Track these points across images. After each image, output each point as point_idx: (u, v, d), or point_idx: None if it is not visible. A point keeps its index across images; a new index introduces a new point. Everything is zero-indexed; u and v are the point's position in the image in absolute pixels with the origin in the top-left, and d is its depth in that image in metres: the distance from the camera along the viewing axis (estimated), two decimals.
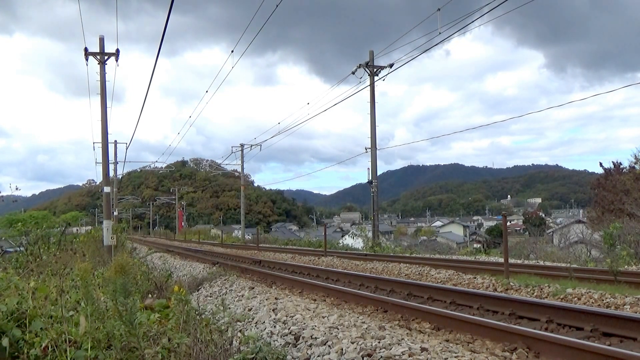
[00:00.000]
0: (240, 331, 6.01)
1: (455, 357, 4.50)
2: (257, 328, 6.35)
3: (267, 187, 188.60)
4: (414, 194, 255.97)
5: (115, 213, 38.34)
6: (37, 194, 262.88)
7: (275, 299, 8.25)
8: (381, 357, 4.50)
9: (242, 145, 44.56)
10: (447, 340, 5.60)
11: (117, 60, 20.27)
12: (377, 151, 25.02)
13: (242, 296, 9.09)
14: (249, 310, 7.62)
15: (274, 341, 5.60)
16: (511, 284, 9.27)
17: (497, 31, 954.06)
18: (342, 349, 4.83)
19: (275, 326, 6.23)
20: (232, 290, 10.15)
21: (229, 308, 6.78)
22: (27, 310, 4.09)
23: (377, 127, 25.01)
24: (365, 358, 4.56)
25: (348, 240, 40.95)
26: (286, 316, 6.63)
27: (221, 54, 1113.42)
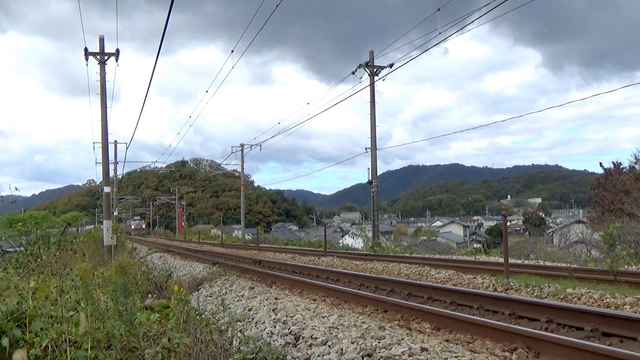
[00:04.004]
0: (240, 331, 6.01)
1: (455, 357, 4.50)
2: (257, 328, 6.35)
3: (267, 187, 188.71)
4: (413, 194, 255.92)
5: (115, 213, 38.36)
6: (37, 194, 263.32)
7: (275, 299, 8.25)
8: (381, 357, 4.51)
9: (242, 145, 44.56)
10: (447, 340, 5.60)
11: (117, 60, 20.31)
12: (377, 151, 25.04)
13: (242, 296, 9.09)
14: (249, 310, 7.62)
15: (274, 341, 5.60)
16: (511, 284, 9.27)
17: (494, 29, 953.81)
18: (342, 349, 4.83)
19: (275, 326, 6.23)
20: (232, 290, 10.15)
21: (229, 308, 6.78)
22: (27, 310, 4.09)
23: (376, 127, 25.03)
24: (365, 358, 4.56)
25: (348, 240, 40.97)
26: (286, 316, 6.64)
27: (217, 52, 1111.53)
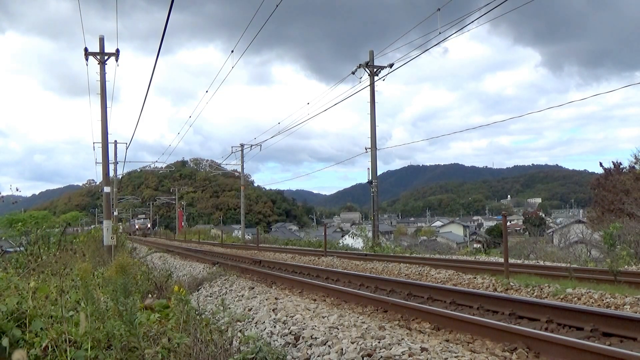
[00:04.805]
0: (240, 331, 6.01)
1: (455, 357, 4.50)
2: (257, 328, 6.35)
3: (267, 187, 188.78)
4: (413, 194, 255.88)
5: (115, 213, 38.34)
6: (37, 194, 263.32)
7: (275, 299, 8.25)
8: (381, 357, 4.51)
9: (242, 145, 44.56)
10: (447, 340, 5.60)
11: (117, 60, 20.33)
12: (377, 151, 25.04)
13: (242, 296, 9.09)
14: (249, 310, 7.62)
15: (274, 341, 5.60)
16: (511, 284, 9.27)
17: (493, 29, 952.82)
18: (342, 349, 4.83)
19: (275, 326, 6.23)
20: (232, 290, 10.15)
21: (229, 308, 6.78)
22: (27, 310, 4.09)
23: (376, 127, 25.03)
24: (365, 358, 4.56)
25: (348, 240, 40.98)
26: (286, 316, 6.64)
27: (216, 52, 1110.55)
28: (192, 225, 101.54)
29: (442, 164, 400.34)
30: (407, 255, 18.76)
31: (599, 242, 18.51)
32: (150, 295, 7.39)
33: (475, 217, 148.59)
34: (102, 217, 24.66)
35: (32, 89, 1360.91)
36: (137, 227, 76.67)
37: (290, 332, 5.77)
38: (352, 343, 4.94)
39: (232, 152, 44.92)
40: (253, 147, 41.86)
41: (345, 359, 4.63)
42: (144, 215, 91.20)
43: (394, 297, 8.52)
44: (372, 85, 24.56)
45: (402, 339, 5.10)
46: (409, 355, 4.46)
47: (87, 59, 20.32)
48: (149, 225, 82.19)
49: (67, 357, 3.56)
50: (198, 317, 4.82)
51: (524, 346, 5.08)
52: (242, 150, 44.60)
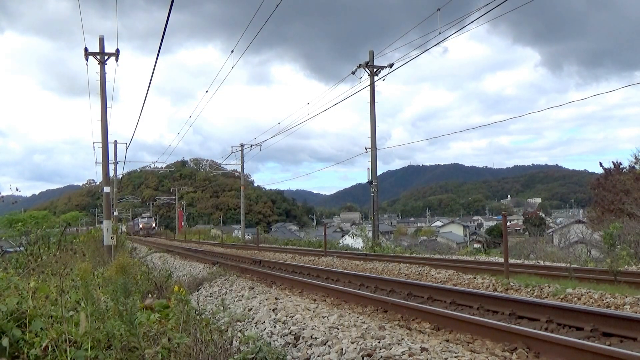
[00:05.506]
0: (240, 331, 6.01)
1: (455, 357, 4.50)
2: (257, 328, 6.36)
3: (267, 187, 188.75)
4: (413, 194, 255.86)
5: (115, 213, 38.33)
6: (37, 194, 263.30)
7: (275, 299, 8.25)
8: (381, 357, 4.51)
9: (242, 145, 44.56)
10: (447, 340, 5.60)
11: (117, 60, 20.30)
12: (377, 151, 25.04)
13: (242, 296, 9.10)
14: (249, 310, 7.62)
15: (274, 341, 5.60)
16: (511, 284, 9.27)
17: (493, 29, 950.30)
18: (342, 349, 4.83)
19: (275, 326, 6.23)
20: (232, 290, 10.16)
21: (229, 308, 6.77)
22: (27, 310, 4.08)
23: (376, 127, 25.03)
24: (365, 358, 4.56)
25: (348, 240, 40.98)
26: (286, 316, 6.64)
27: (215, 51, 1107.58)
28: (192, 225, 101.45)
29: (442, 164, 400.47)
30: (407, 255, 18.76)
31: (599, 242, 18.50)
32: (150, 295, 7.39)
33: (475, 217, 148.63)
34: (102, 217, 24.66)
35: (31, 89, 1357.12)
36: (141, 226, 74.02)
37: (290, 332, 5.77)
38: (352, 343, 4.94)
39: (232, 152, 44.96)
40: (253, 147, 41.91)
41: (345, 359, 4.63)
42: (148, 214, 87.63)
43: (394, 297, 8.52)
44: (372, 85, 24.56)
45: (402, 339, 5.10)
46: (409, 355, 4.46)
47: (87, 59, 20.31)
48: (153, 225, 78.48)
49: (67, 357, 3.56)
50: (198, 317, 4.82)
51: (524, 346, 5.08)
52: (242, 150, 44.61)
